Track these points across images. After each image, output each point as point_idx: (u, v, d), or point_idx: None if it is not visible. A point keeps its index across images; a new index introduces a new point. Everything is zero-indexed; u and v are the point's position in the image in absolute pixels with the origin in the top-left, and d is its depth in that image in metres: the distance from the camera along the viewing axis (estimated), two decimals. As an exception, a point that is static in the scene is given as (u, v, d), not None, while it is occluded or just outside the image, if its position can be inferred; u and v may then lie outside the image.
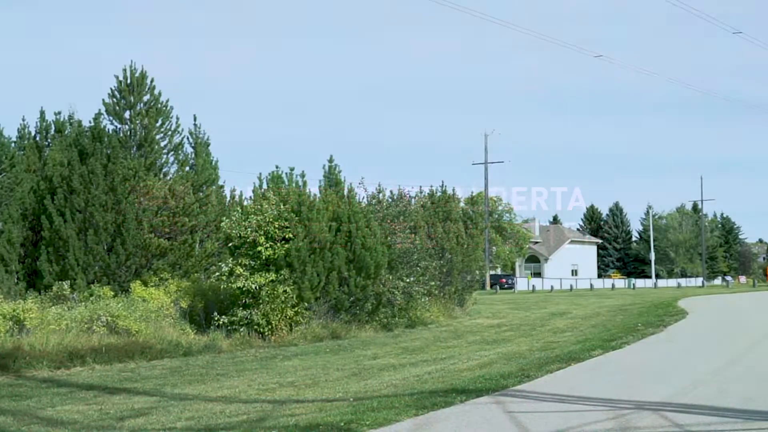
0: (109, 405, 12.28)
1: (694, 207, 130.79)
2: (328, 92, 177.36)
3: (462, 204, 41.75)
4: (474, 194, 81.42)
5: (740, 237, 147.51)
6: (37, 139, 28.67)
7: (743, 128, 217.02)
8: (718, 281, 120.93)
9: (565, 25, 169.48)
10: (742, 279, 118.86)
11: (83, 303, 20.82)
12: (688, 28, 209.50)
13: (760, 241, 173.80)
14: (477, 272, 35.85)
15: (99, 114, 25.41)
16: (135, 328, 19.56)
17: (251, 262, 22.29)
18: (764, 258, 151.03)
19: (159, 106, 26.87)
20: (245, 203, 25.94)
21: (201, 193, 26.74)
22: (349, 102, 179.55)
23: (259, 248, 22.26)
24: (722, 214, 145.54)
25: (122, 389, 14.13)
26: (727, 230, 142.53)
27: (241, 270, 22.02)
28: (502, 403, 11.13)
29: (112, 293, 21.93)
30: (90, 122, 25.04)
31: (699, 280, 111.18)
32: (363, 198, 29.54)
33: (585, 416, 10.11)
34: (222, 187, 28.52)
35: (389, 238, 26.52)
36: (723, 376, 13.48)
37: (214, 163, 27.98)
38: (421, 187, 34.36)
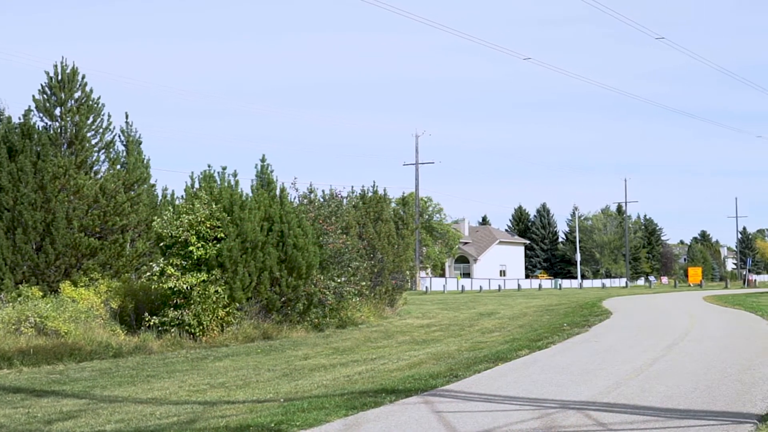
0: (37, 408, 12.08)
1: (619, 208, 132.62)
2: (262, 92, 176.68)
3: (393, 204, 41.82)
4: (405, 195, 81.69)
5: (662, 238, 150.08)
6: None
7: (667, 131, 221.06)
8: (641, 282, 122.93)
9: (495, 27, 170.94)
10: (664, 280, 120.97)
11: (11, 304, 20.43)
12: (615, 31, 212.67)
13: (682, 242, 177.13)
14: (407, 272, 35.99)
15: (29, 110, 24.84)
16: (64, 329, 19.25)
17: (183, 262, 22.09)
18: (685, 259, 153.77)
19: (90, 103, 26.32)
20: (177, 202, 25.67)
21: (132, 192, 26.32)
22: (282, 102, 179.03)
23: (191, 248, 22.07)
24: (645, 215, 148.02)
25: (51, 392, 13.91)
26: (650, 231, 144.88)
27: (173, 270, 21.80)
28: (430, 403, 11.18)
29: (41, 293, 21.50)
30: (20, 119, 24.53)
31: (623, 281, 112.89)
32: (295, 198, 29.47)
33: (511, 416, 10.21)
34: (154, 186, 28.13)
35: (321, 239, 26.48)
36: (645, 375, 13.70)
37: (145, 161, 27.54)
38: (353, 187, 34.35)
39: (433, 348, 20.20)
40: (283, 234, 24.06)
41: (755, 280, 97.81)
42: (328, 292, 25.51)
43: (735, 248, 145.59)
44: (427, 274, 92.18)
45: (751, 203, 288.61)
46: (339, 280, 26.35)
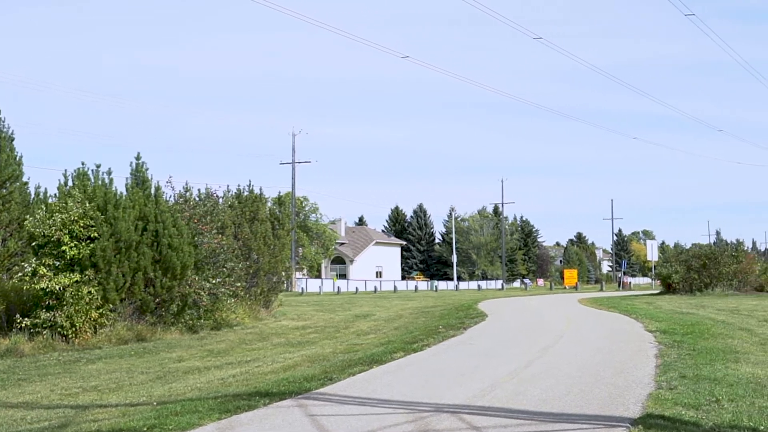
0: None
1: (495, 210, 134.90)
2: (137, 90, 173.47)
3: (269, 204, 41.76)
4: (282, 194, 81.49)
5: (539, 240, 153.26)
6: None
7: (544, 132, 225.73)
8: (517, 284, 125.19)
9: (374, 25, 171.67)
10: (540, 282, 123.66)
11: None
12: (493, 30, 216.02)
13: (558, 244, 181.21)
14: (283, 273, 36.06)
15: None
16: (-69, 332, 18.75)
17: (55, 262, 21.67)
18: (561, 261, 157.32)
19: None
20: (50, 201, 25.18)
21: (4, 190, 25.77)
22: (157, 99, 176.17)
23: (64, 248, 21.67)
24: (522, 217, 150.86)
25: None
26: (527, 233, 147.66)
27: (45, 270, 21.36)
28: (304, 406, 11.26)
29: None
30: None
31: (499, 283, 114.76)
32: (170, 197, 29.13)
33: (385, 419, 10.30)
34: (26, 183, 27.46)
35: (196, 238, 26.30)
36: (519, 377, 13.97)
37: (18, 158, 26.95)
38: (228, 186, 34.23)
39: (308, 350, 20.28)
40: (157, 234, 23.84)
41: (630, 283, 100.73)
42: (202, 293, 25.34)
43: (610, 250, 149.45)
44: (303, 275, 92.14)
45: (627, 205, 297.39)
46: (214, 281, 26.18)
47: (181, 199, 29.49)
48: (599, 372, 14.64)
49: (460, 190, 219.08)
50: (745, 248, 73.94)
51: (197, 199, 30.56)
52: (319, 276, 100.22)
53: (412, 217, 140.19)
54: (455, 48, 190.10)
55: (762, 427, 9.65)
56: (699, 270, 50.11)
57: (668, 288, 52.09)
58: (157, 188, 26.34)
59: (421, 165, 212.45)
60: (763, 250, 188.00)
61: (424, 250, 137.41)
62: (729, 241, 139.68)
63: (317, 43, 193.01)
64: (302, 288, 78.25)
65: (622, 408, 11.00)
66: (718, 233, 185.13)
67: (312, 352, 19.59)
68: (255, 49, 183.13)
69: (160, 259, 23.69)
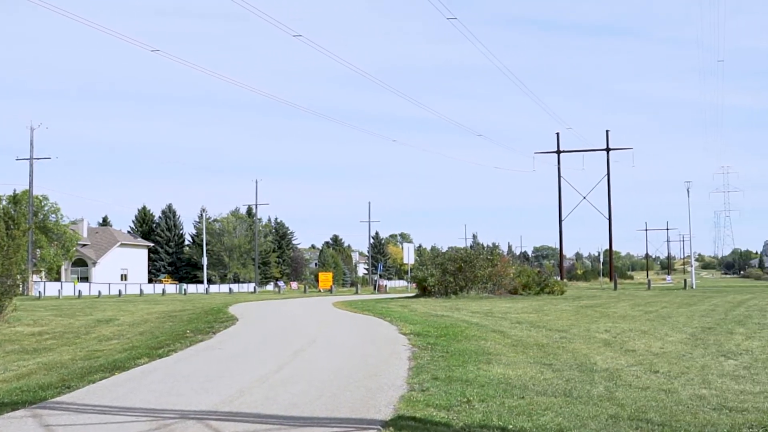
0: None
1: (249, 211, 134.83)
2: None
3: (4, 202, 40.03)
4: (18, 193, 78.42)
5: (294, 242, 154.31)
6: None
7: (301, 133, 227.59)
8: (270, 287, 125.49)
9: (122, 17, 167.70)
10: (294, 285, 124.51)
11: None
12: (250, 26, 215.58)
13: (313, 246, 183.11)
14: (18, 276, 34.61)
15: None
16: None
17: None
18: (316, 264, 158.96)
19: None
20: None
21: None
22: None
23: None
24: (277, 218, 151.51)
25: None
26: (281, 235, 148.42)
27: None
28: (39, 416, 10.88)
29: None
30: None
31: (252, 286, 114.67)
32: None
33: (127, 427, 10.11)
34: None
35: None
36: (270, 382, 14.03)
37: None
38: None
39: (44, 357, 19.60)
40: None
41: (386, 286, 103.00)
42: None
43: (367, 253, 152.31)
44: (41, 278, 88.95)
45: (385, 208, 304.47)
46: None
47: None
48: (352, 375, 14.89)
49: (213, 191, 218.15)
50: (501, 252, 77.18)
51: None
52: (59, 279, 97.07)
53: (160, 217, 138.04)
54: (210, 44, 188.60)
55: (511, 426, 10.11)
56: (455, 273, 51.64)
57: (424, 291, 53.44)
58: None
59: (172, 164, 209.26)
60: (518, 253, 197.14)
61: (173, 252, 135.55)
62: (485, 245, 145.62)
63: (58, 29, 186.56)
64: (40, 292, 75.65)
65: (373, 410, 11.23)
66: (474, 237, 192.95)
67: (49, 360, 18.95)
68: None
69: None
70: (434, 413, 10.93)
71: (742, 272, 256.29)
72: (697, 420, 10.54)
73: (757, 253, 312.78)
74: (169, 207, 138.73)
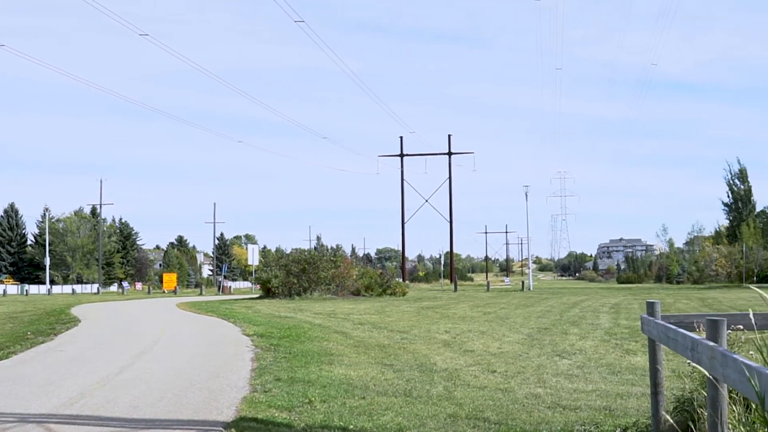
0: None
1: (93, 211, 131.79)
2: None
3: None
4: None
5: (138, 243, 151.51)
6: None
7: (147, 132, 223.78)
8: (114, 288, 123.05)
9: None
10: (139, 286, 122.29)
11: None
12: (94, 22, 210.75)
13: (157, 247, 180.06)
14: None
15: None
16: None
17: None
18: (160, 264, 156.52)
19: None
20: None
21: None
22: None
23: None
24: (121, 219, 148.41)
25: None
26: (126, 236, 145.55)
27: None
28: None
29: None
30: None
31: (95, 287, 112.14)
32: None
33: (-39, 433, 9.83)
34: None
35: None
36: (112, 384, 13.72)
37: None
38: None
39: None
40: None
41: (230, 287, 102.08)
42: None
43: (212, 254, 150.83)
44: None
45: (231, 209, 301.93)
46: None
47: None
48: (194, 377, 14.71)
49: (57, 190, 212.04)
50: (344, 253, 77.53)
51: None
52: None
53: (2, 216, 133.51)
54: (53, 40, 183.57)
55: (352, 426, 10.16)
56: (298, 275, 51.62)
57: (268, 292, 53.23)
58: None
59: (13, 162, 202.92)
60: (361, 255, 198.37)
61: (14, 252, 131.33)
62: (329, 247, 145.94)
63: None
64: None
65: (216, 412, 11.13)
66: (318, 238, 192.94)
67: None
68: None
69: None
70: (276, 414, 10.90)
71: (577, 274, 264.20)
72: (532, 418, 10.79)
73: (591, 255, 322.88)
74: (11, 206, 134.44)
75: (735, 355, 5.36)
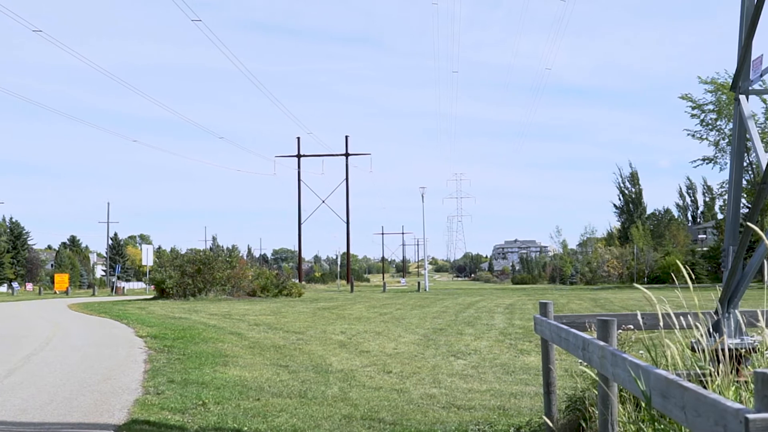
0: None
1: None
2: None
3: None
4: None
5: (29, 243, 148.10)
6: None
7: (36, 131, 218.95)
8: (4, 288, 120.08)
9: None
10: (29, 286, 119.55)
11: None
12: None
13: (49, 247, 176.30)
14: None
15: None
16: None
17: None
18: (52, 265, 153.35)
19: None
20: None
21: None
22: None
23: None
24: (12, 218, 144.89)
25: None
26: (16, 235, 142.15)
27: None
28: None
29: None
30: None
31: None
32: None
33: None
34: None
35: None
36: (0, 387, 13.47)
37: None
38: None
39: None
40: None
41: (124, 288, 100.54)
42: None
43: (105, 254, 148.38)
44: None
45: (124, 209, 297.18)
46: None
47: None
48: (86, 379, 14.44)
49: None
50: (240, 254, 76.89)
51: None
52: None
53: None
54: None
55: (246, 428, 10.08)
56: (193, 275, 51.09)
57: (163, 293, 52.56)
58: None
59: None
60: (258, 256, 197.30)
61: None
62: (225, 247, 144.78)
63: None
64: None
65: (107, 415, 10.94)
66: (214, 238, 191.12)
67: None
68: None
69: None
70: (169, 416, 10.75)
71: (473, 275, 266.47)
72: (427, 418, 10.84)
73: (487, 257, 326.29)
74: None
75: (624, 355, 5.46)
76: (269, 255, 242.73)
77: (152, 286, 65.91)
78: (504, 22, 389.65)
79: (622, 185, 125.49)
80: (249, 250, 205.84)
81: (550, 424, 8.67)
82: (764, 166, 7.41)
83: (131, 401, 11.98)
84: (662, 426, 5.83)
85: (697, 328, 7.13)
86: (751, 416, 3.25)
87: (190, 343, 20.35)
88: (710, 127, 71.18)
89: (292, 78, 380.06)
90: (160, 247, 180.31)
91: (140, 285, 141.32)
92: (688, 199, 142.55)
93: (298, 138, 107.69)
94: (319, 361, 17.07)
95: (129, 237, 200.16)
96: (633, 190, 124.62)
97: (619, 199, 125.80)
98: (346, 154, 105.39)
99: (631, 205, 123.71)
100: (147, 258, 79.65)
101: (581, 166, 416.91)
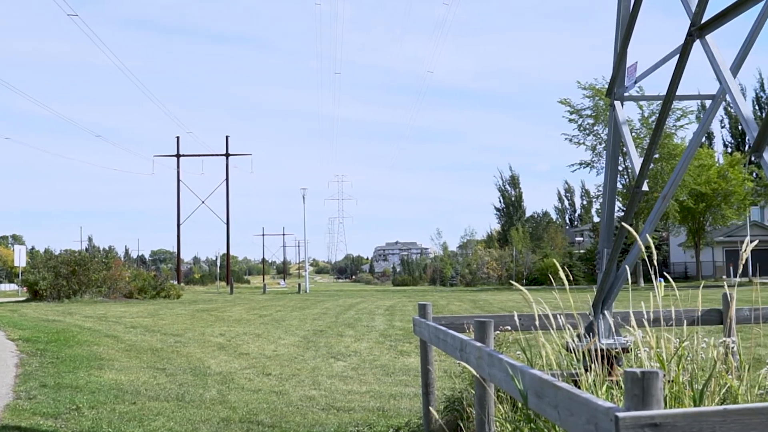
0: None
1: None
2: None
3: None
4: None
5: None
6: None
7: None
8: None
9: None
10: None
11: None
12: None
13: None
14: None
15: None
16: None
17: None
18: None
19: None
20: None
21: None
22: None
23: None
24: None
25: None
26: None
27: None
28: None
29: None
30: None
31: None
32: None
33: None
34: None
35: None
36: None
37: None
38: None
39: None
40: None
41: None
42: None
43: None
44: None
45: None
46: None
47: None
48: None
49: None
50: (117, 255, 75.63)
51: None
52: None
53: None
54: None
55: (120, 432, 9.92)
56: (68, 276, 50.00)
57: (35, 295, 51.30)
58: None
59: None
60: (135, 257, 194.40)
61: None
62: (101, 248, 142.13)
63: None
64: None
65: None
66: (90, 239, 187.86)
67: None
68: None
69: None
70: (41, 422, 10.52)
71: (354, 277, 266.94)
72: (306, 420, 10.85)
73: (368, 258, 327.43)
74: None
75: (500, 355, 5.55)
76: (147, 256, 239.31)
77: (25, 288, 64.24)
78: (387, 24, 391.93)
79: (502, 188, 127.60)
80: (126, 251, 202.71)
81: (429, 425, 8.76)
82: (638, 171, 7.63)
83: (1, 407, 11.67)
84: (538, 425, 5.95)
85: (573, 328, 7.30)
86: (621, 414, 3.34)
87: (64, 347, 19.91)
88: (587, 131, 72.56)
89: (173, 77, 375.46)
90: (33, 248, 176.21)
91: (12, 287, 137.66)
92: (566, 203, 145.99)
93: (178, 137, 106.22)
94: (197, 364, 16.91)
95: (1, 237, 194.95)
96: (513, 192, 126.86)
97: (500, 202, 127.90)
98: (227, 155, 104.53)
99: (511, 208, 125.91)
100: (19, 259, 77.48)
101: (463, 168, 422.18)
